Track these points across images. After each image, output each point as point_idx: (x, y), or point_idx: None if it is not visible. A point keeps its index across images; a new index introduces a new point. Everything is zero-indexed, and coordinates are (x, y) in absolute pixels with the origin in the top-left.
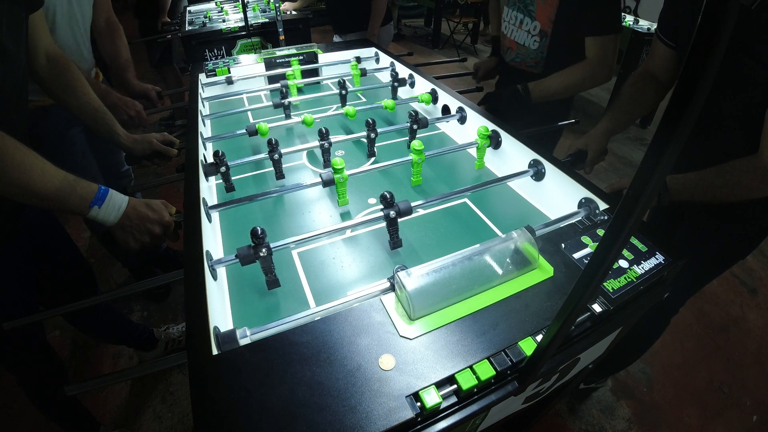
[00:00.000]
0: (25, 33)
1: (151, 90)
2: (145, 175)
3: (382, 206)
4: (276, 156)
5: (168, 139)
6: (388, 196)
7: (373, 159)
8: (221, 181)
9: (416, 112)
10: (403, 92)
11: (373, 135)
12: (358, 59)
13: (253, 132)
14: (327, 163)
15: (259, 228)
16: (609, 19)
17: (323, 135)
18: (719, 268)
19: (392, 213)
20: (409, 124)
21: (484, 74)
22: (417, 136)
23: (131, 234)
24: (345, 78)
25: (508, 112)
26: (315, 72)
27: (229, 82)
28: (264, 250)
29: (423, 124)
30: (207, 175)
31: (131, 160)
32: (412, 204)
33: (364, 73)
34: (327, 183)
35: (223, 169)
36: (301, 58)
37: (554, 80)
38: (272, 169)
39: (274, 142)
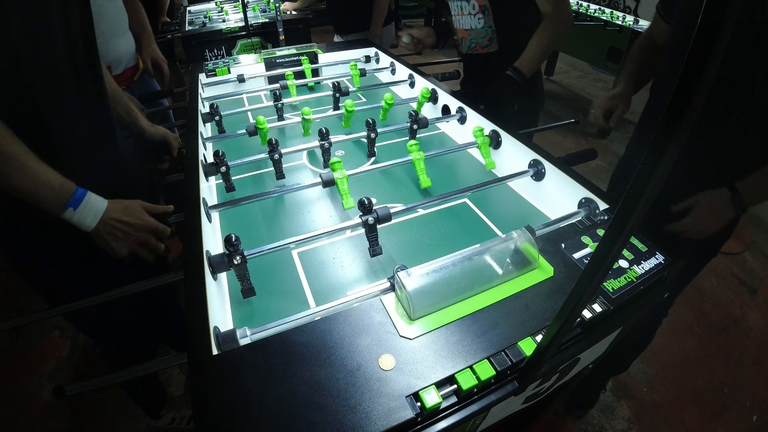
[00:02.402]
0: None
1: (165, 70)
2: None
3: (360, 212)
4: (276, 156)
5: (176, 136)
6: (366, 201)
7: (373, 159)
8: (221, 181)
9: (416, 112)
10: (404, 92)
11: (373, 135)
12: (368, 58)
13: (252, 132)
14: (327, 163)
15: (233, 235)
16: None
17: (323, 135)
18: (708, 255)
19: (371, 219)
20: (409, 124)
21: (419, 43)
22: (417, 136)
23: (115, 240)
24: (344, 78)
25: (510, 99)
26: (315, 72)
27: (241, 80)
28: (238, 257)
29: (423, 124)
30: (207, 175)
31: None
32: (412, 204)
33: (363, 73)
34: (327, 183)
35: (223, 169)
36: (303, 57)
37: (532, 49)
38: (272, 169)
39: (274, 142)
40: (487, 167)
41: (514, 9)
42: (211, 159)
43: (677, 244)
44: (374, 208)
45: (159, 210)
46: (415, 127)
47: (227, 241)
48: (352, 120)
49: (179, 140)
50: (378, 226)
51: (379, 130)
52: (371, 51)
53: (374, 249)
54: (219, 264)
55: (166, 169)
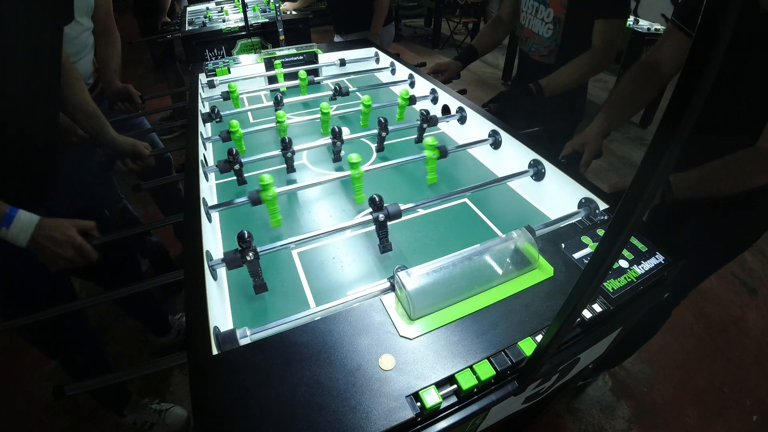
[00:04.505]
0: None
1: (133, 93)
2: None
3: (370, 210)
4: (289, 154)
5: (146, 144)
6: (377, 199)
7: (375, 157)
8: (221, 181)
9: (427, 111)
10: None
11: (384, 134)
12: (342, 62)
13: (226, 138)
14: (337, 157)
15: (246, 231)
16: (620, 2)
17: (336, 134)
18: (725, 259)
19: (381, 216)
20: (419, 123)
21: (447, 78)
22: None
23: (44, 256)
24: (343, 79)
25: (519, 111)
26: (315, 72)
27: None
28: (251, 254)
29: (433, 122)
30: (222, 172)
31: (105, 164)
32: (412, 204)
33: (312, 82)
34: (255, 202)
35: (237, 166)
36: (301, 58)
37: (563, 73)
38: (280, 166)
39: (287, 141)
40: (428, 181)
41: (585, 33)
42: (211, 159)
43: (700, 248)
44: (385, 205)
45: (87, 227)
46: (425, 125)
47: (240, 237)
48: (351, 120)
49: (149, 148)
50: (388, 223)
51: (390, 128)
52: (371, 51)
53: (384, 245)
54: (232, 260)
55: (143, 171)
